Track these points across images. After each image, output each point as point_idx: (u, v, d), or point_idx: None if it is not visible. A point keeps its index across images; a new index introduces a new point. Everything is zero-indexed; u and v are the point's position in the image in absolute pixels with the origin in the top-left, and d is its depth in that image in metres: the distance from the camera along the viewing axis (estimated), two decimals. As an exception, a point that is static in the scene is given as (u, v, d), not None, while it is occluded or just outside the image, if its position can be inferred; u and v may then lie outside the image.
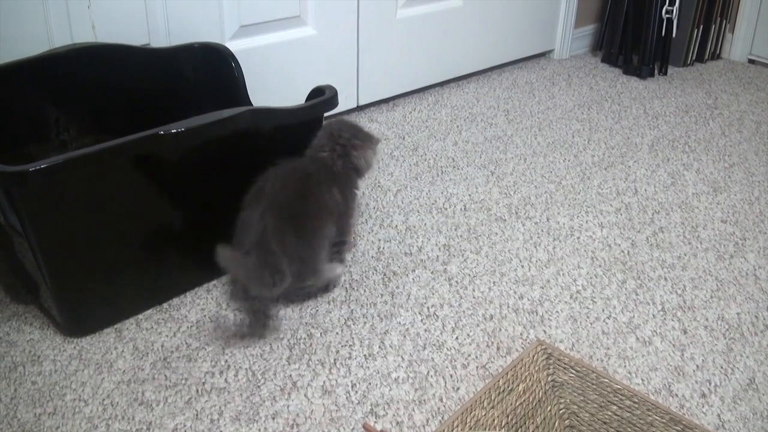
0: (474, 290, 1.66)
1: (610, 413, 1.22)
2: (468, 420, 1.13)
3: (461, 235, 1.86)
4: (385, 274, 1.70)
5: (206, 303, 1.58)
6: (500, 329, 1.54)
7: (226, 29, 2.09)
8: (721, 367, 1.47)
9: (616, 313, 1.61)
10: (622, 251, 1.83)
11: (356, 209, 1.68)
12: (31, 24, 1.73)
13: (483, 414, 1.16)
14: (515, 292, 1.66)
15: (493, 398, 1.18)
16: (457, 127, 2.48)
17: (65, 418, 1.28)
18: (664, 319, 1.60)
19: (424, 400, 1.35)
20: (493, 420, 1.17)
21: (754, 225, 1.98)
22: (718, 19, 3.26)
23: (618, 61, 3.17)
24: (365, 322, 1.54)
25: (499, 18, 2.89)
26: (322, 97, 1.65)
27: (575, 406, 1.25)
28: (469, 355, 1.46)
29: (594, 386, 1.23)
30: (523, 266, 1.75)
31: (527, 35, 3.07)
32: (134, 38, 1.89)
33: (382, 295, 1.63)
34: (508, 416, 1.19)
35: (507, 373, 1.21)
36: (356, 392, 1.36)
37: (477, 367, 1.43)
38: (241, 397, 1.34)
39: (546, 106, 2.70)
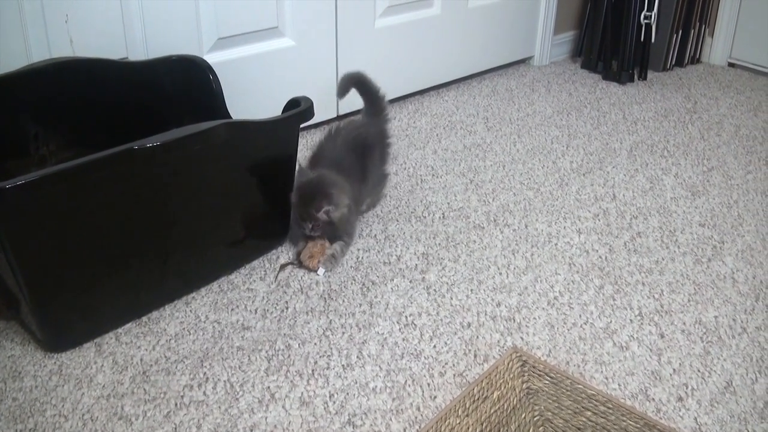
0: (452, 298, 1.67)
1: (584, 419, 1.23)
2: (442, 429, 1.14)
3: (440, 244, 1.87)
4: (363, 284, 1.71)
5: (185, 316, 1.59)
6: (478, 337, 1.55)
7: (204, 42, 2.10)
8: (698, 371, 1.48)
9: (593, 318, 1.62)
10: (600, 257, 1.84)
11: None
12: (8, 39, 1.73)
13: (458, 422, 1.16)
14: (493, 300, 1.67)
15: (467, 406, 1.19)
16: (437, 135, 2.49)
17: (44, 434, 1.29)
18: (641, 323, 1.61)
19: (402, 410, 1.35)
20: (468, 428, 1.18)
21: (732, 228, 2.00)
22: (697, 23, 3.28)
23: (597, 66, 3.18)
24: (343, 332, 1.55)
25: (478, 26, 2.90)
26: (298, 108, 1.66)
27: (549, 413, 1.26)
28: (447, 364, 1.47)
29: (568, 392, 1.24)
30: (501, 273, 1.76)
31: (506, 42, 3.08)
32: (112, 52, 1.89)
33: (360, 304, 1.64)
34: (482, 424, 1.20)
35: (482, 381, 1.22)
36: (334, 403, 1.37)
37: (454, 375, 1.44)
38: (219, 409, 1.35)
39: (525, 113, 2.71)
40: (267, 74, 2.28)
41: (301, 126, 1.73)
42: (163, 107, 1.89)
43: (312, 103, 1.68)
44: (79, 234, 1.40)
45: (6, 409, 1.34)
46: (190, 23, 2.05)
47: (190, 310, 1.60)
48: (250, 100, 2.24)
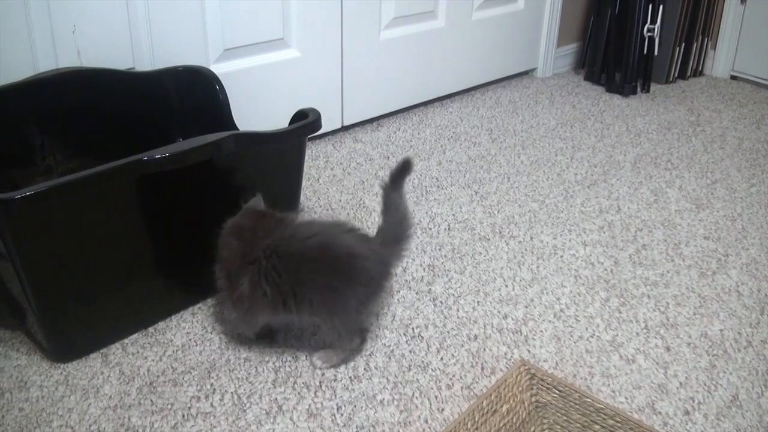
0: (458, 310, 1.67)
1: (593, 433, 1.23)
2: (452, 442, 1.14)
3: (445, 255, 1.87)
4: (370, 296, 1.71)
5: (191, 326, 1.59)
6: (484, 349, 1.55)
7: (210, 53, 2.10)
8: (705, 384, 1.48)
9: (600, 331, 1.62)
10: (606, 269, 1.84)
11: None
12: (16, 49, 1.73)
13: (467, 435, 1.17)
14: (499, 312, 1.67)
15: (476, 419, 1.19)
16: (441, 146, 2.49)
17: (51, 445, 1.29)
18: (648, 336, 1.61)
19: (410, 422, 1.35)
20: (477, 441, 1.18)
21: (737, 241, 2.00)
22: (700, 36, 3.29)
23: (600, 79, 3.19)
24: (350, 344, 1.55)
25: (482, 38, 2.91)
26: (306, 120, 1.66)
27: (558, 427, 1.26)
28: (454, 376, 1.47)
29: (577, 406, 1.24)
30: (507, 285, 1.76)
31: (510, 54, 3.09)
32: (119, 62, 1.90)
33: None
34: (491, 437, 1.20)
35: (491, 394, 1.22)
36: (342, 415, 1.37)
37: (461, 387, 1.44)
38: (226, 421, 1.34)
39: (529, 125, 2.72)
40: (272, 85, 2.29)
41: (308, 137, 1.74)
42: (169, 118, 1.89)
43: (319, 115, 1.68)
44: (86, 244, 1.40)
45: (12, 419, 1.33)
46: (197, 34, 2.05)
47: (197, 321, 1.60)
48: (256, 110, 2.24)
